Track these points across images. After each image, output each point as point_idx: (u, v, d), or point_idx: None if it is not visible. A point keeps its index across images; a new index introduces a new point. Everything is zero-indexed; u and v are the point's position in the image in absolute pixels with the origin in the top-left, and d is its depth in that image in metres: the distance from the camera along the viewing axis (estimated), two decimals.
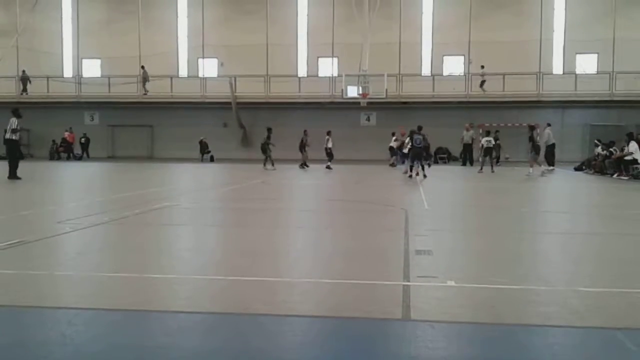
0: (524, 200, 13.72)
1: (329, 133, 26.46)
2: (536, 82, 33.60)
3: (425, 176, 18.61)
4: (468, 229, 9.09)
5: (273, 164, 25.22)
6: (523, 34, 34.56)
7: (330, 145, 26.23)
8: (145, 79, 35.81)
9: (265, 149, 25.74)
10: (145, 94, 35.87)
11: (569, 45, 35.22)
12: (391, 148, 28.79)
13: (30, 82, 36.39)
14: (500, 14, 35.19)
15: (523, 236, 8.43)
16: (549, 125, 25.47)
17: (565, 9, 35.45)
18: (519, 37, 34.33)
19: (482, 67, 33.44)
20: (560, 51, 35.69)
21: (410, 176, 19.07)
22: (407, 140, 23.38)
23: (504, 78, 32.77)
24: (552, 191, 16.70)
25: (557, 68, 35.32)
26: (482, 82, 33.62)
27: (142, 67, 35.86)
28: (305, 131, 26.39)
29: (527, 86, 33.10)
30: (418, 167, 19.18)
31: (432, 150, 34.18)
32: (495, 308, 4.59)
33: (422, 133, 19.71)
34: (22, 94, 36.31)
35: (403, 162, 22.84)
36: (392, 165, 27.92)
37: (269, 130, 26.26)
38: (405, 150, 21.68)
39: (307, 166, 25.64)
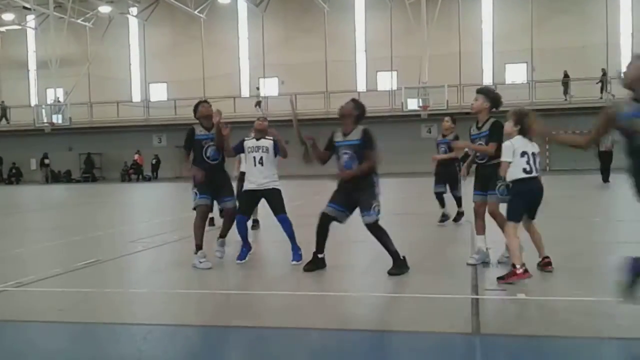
0: (593, 209, 13.26)
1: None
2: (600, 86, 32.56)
3: None
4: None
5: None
6: (587, 39, 33.59)
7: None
8: (4, 109, 37.37)
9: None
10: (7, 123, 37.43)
11: (638, 47, 33.98)
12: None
13: (9, 110, 37.90)
14: (563, 19, 34.30)
15: (595, 246, 8.15)
16: None
17: (632, 11, 34.29)
18: (583, 42, 33.38)
19: (257, 88, 34.85)
20: (629, 54, 34.48)
21: None
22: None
23: (568, 84, 31.88)
24: (619, 198, 16.05)
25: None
26: (258, 102, 34.53)
27: (2, 102, 37.84)
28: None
29: (593, 91, 32.08)
30: None
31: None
32: (569, 321, 4.47)
33: None
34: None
35: None
36: None
37: None
38: None
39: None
